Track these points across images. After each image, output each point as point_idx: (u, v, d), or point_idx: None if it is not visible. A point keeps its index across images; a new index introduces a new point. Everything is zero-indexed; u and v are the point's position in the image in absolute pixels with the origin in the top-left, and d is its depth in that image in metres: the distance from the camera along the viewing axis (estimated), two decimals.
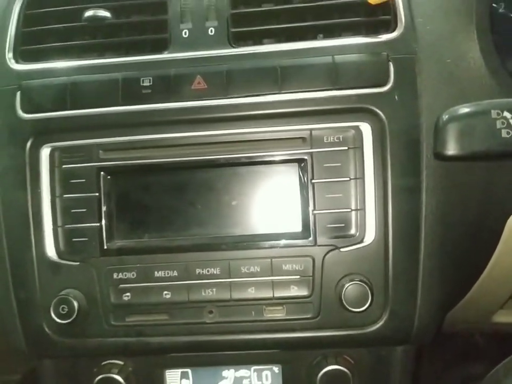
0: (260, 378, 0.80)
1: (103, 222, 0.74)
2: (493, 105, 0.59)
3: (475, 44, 0.74)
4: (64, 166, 0.75)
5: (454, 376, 1.22)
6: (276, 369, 0.80)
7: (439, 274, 0.72)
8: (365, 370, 0.78)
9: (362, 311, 0.70)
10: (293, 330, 0.73)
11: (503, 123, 0.58)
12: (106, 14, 0.78)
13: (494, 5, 0.83)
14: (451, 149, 0.60)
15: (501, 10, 0.83)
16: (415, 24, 0.73)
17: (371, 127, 0.71)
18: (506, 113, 0.58)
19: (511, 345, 1.18)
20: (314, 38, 0.76)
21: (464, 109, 0.61)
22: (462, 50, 0.73)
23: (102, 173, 0.74)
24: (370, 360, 0.79)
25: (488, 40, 0.76)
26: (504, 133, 0.58)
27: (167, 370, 0.81)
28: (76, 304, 0.72)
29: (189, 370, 0.81)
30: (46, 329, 0.75)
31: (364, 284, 0.69)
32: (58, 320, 0.72)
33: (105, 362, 0.80)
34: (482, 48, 0.74)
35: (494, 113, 0.58)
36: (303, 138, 0.72)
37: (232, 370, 0.81)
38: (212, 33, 0.76)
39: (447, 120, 0.60)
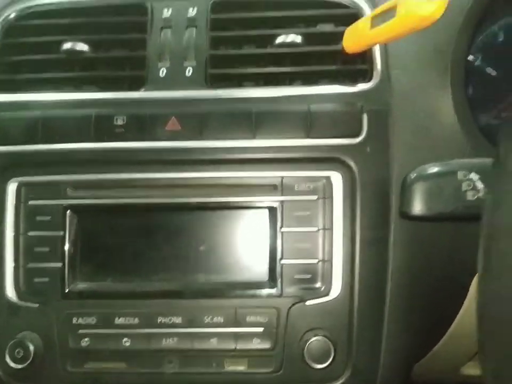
0: None
1: (66, 262, 0.72)
2: (460, 165, 0.59)
3: (449, 98, 0.74)
4: (30, 202, 0.73)
5: None
6: None
7: (404, 330, 0.71)
8: None
9: (324, 367, 0.68)
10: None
11: (469, 185, 0.58)
12: (84, 47, 0.78)
13: (470, 57, 0.84)
14: (416, 209, 0.60)
15: (477, 63, 0.83)
16: (390, 75, 0.73)
17: (342, 177, 0.71)
18: (472, 175, 0.58)
19: None
20: (291, 82, 0.76)
21: (431, 169, 0.61)
22: (436, 104, 0.74)
23: (68, 211, 0.72)
24: None
25: (462, 95, 0.76)
26: (469, 195, 0.58)
27: None
28: (32, 348, 0.70)
29: None
30: (0, 374, 0.72)
31: (327, 340, 0.68)
32: (13, 365, 0.70)
33: None
34: (456, 103, 0.74)
35: (460, 175, 0.58)
36: (274, 186, 0.72)
37: None
38: (190, 74, 0.75)
39: (414, 179, 0.60)
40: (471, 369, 0.92)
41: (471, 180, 0.58)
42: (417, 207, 0.60)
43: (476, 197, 0.57)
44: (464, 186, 0.58)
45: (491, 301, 0.39)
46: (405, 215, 0.62)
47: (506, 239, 0.38)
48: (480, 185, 0.58)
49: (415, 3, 0.52)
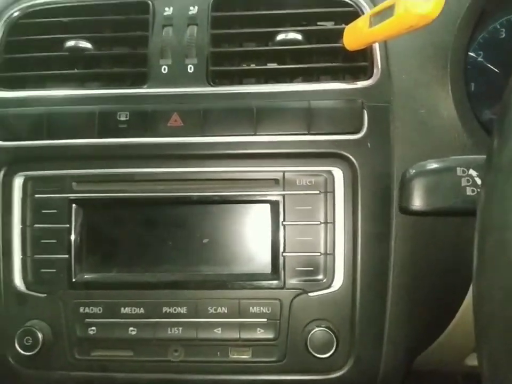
0: None
1: (72, 254, 0.73)
2: (459, 162, 0.59)
3: (449, 95, 0.75)
4: (36, 196, 0.75)
5: None
6: None
7: (406, 322, 0.72)
8: None
9: (327, 357, 0.70)
10: (257, 372, 0.73)
11: (468, 181, 0.59)
12: (87, 45, 0.79)
13: (471, 53, 0.85)
14: (415, 204, 0.60)
15: (479, 59, 0.84)
16: (390, 72, 0.74)
17: (343, 172, 0.72)
18: (471, 171, 0.59)
19: None
20: (292, 79, 0.77)
21: (430, 165, 0.61)
22: (436, 101, 0.74)
23: (74, 204, 0.74)
24: None
25: (462, 91, 0.77)
26: (469, 191, 0.58)
27: None
28: (40, 336, 0.71)
29: None
30: (10, 360, 0.74)
31: (329, 331, 0.70)
32: (22, 352, 0.72)
33: None
34: (456, 99, 0.74)
35: (459, 171, 0.59)
36: (276, 180, 0.73)
37: None
38: (191, 71, 0.76)
39: (413, 175, 0.61)
40: (476, 360, 0.94)
41: (470, 175, 0.59)
42: (416, 202, 0.61)
43: (475, 192, 0.58)
44: (464, 182, 0.59)
45: (484, 296, 0.40)
46: (404, 210, 0.63)
47: (496, 234, 0.38)
48: (479, 181, 0.58)
49: (413, 2, 0.53)
